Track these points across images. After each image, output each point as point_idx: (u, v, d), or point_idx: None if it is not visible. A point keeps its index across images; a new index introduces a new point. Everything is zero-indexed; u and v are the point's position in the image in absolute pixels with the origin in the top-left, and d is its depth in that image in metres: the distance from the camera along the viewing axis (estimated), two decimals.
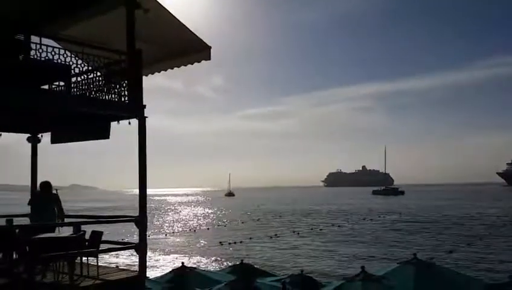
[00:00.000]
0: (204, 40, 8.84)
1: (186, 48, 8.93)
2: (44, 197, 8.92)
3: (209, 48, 8.90)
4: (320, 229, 42.15)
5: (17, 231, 8.09)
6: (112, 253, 14.14)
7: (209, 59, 8.94)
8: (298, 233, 39.46)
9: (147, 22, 8.08)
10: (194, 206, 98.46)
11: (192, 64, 9.23)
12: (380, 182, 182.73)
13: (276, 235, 38.13)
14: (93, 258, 7.80)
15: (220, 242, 33.34)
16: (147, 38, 8.37)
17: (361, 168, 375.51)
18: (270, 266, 22.43)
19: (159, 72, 9.76)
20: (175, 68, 9.59)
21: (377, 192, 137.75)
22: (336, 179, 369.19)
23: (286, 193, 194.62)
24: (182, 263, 9.23)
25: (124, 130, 8.33)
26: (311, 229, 42.52)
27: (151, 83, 8.64)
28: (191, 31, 8.58)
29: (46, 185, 9.04)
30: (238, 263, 11.28)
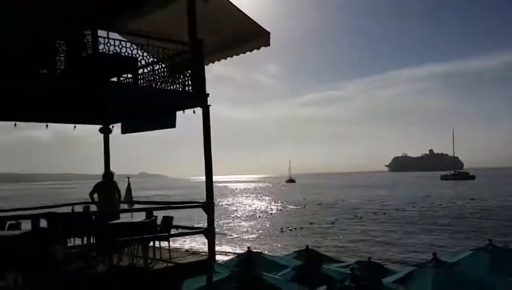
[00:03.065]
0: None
1: (246, 35, 8.98)
2: (107, 186, 9.40)
3: (268, 33, 8.89)
4: (384, 213, 41.03)
5: (93, 217, 8.64)
6: (179, 238, 14.67)
7: (269, 45, 8.93)
8: (361, 217, 38.68)
9: (208, 12, 8.21)
10: (256, 192, 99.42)
11: (251, 51, 9.26)
12: (448, 167, 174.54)
13: (337, 219, 37.63)
14: (164, 242, 8.14)
15: (281, 228, 33.47)
16: (207, 28, 8.50)
17: (428, 152, 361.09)
18: (334, 252, 22.20)
19: (219, 60, 9.89)
20: (234, 56, 9.68)
21: (446, 177, 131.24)
22: (401, 164, 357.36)
23: (348, 178, 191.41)
24: (248, 247, 9.33)
25: (189, 118, 8.58)
26: (375, 213, 41.51)
27: (209, 72, 8.84)
28: (250, 18, 8.61)
29: (108, 174, 9.54)
30: (303, 248, 11.24)
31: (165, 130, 9.27)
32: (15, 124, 9.26)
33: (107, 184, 9.37)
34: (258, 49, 9.02)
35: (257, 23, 8.64)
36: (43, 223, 7.23)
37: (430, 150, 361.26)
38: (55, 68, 6.95)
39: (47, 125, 9.55)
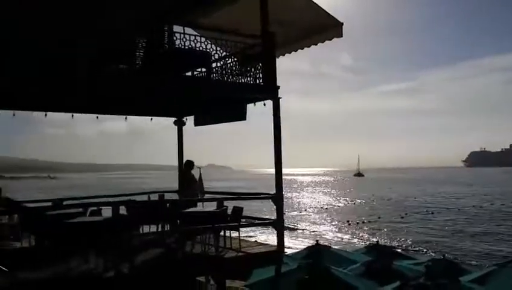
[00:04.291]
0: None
1: (318, 26, 8.88)
2: (187, 175, 9.75)
3: (341, 24, 8.73)
4: (459, 210, 38.94)
5: (167, 205, 9.03)
6: (247, 229, 14.89)
7: (341, 36, 8.77)
8: (432, 213, 37.02)
9: (279, 4, 8.22)
10: (323, 186, 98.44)
11: (323, 42, 9.15)
12: None
13: (406, 214, 36.30)
14: (234, 232, 8.33)
15: (348, 221, 32.94)
16: (279, 21, 8.51)
17: (509, 147, 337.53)
18: (403, 247, 21.52)
19: (290, 53, 9.87)
20: (305, 48, 9.62)
21: None
22: (478, 159, 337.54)
23: (421, 174, 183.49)
24: (317, 241, 9.30)
25: (252, 111, 8.70)
26: (448, 209, 39.51)
27: (278, 64, 8.83)
28: (322, 8, 8.50)
29: (188, 163, 9.86)
30: (372, 243, 11.02)
31: (231, 122, 9.48)
32: (97, 117, 9.90)
33: (187, 172, 9.75)
34: (330, 40, 8.89)
35: (329, 14, 8.52)
36: (122, 211, 7.70)
37: (511, 145, 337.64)
38: (134, 63, 7.33)
39: (126, 118, 10.11)
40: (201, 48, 7.67)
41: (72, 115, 9.25)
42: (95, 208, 8.37)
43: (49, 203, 9.41)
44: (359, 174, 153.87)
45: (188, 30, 7.91)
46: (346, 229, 29.90)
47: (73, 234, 6.64)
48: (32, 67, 6.14)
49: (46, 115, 8.89)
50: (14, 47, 6.06)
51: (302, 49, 9.61)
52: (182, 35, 7.43)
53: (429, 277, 5.51)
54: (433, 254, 20.29)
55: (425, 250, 22.25)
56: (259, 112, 8.69)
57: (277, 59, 9.72)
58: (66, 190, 78.52)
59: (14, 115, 8.68)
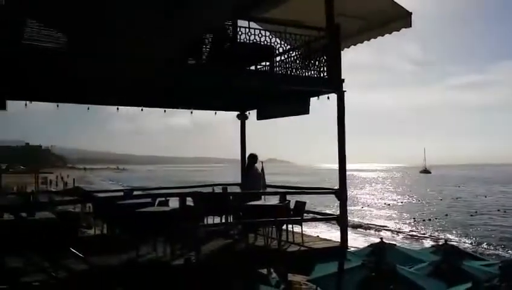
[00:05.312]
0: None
1: (385, 17, 8.60)
2: (250, 168, 9.84)
3: (410, 14, 8.39)
4: None
5: (231, 197, 9.18)
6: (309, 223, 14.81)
7: (410, 26, 8.42)
8: (505, 211, 34.75)
9: None
10: (387, 182, 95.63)
11: (390, 33, 8.83)
12: None
13: (476, 212, 34.37)
14: (297, 227, 8.32)
15: (414, 218, 31.81)
16: (344, 12, 8.34)
17: None
18: (472, 246, 20.53)
19: (355, 45, 9.63)
20: (371, 40, 9.35)
21: None
22: None
23: (493, 171, 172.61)
24: (381, 238, 9.10)
25: (313, 105, 8.60)
26: None
27: (342, 56, 8.59)
28: None
29: (250, 156, 9.94)
30: (441, 242, 10.60)
31: (293, 116, 9.45)
32: (164, 111, 10.27)
33: (250, 166, 9.87)
34: (398, 30, 8.58)
35: (397, 3, 8.22)
36: (189, 202, 7.93)
37: None
38: (201, 58, 7.51)
39: (192, 112, 10.40)
40: (265, 42, 7.69)
41: (142, 109, 9.66)
42: (163, 199, 8.69)
43: (120, 193, 9.90)
44: (426, 170, 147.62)
45: (252, 24, 7.96)
46: (412, 227, 28.94)
47: (143, 222, 6.94)
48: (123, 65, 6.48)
49: (118, 109, 9.35)
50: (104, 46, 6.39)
51: (369, 40, 9.33)
52: (247, 29, 7.50)
53: (503, 278, 5.21)
54: (506, 255, 19.16)
55: (496, 251, 21.07)
56: (320, 105, 8.57)
57: (342, 51, 9.60)
58: (135, 181, 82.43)
59: (88, 109, 9.23)
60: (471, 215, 33.08)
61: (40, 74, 6.51)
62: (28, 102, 8.26)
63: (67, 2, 6.19)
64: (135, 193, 9.97)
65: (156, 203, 8.48)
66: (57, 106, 8.68)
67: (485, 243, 23.20)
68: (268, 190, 10.24)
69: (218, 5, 6.75)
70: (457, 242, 21.23)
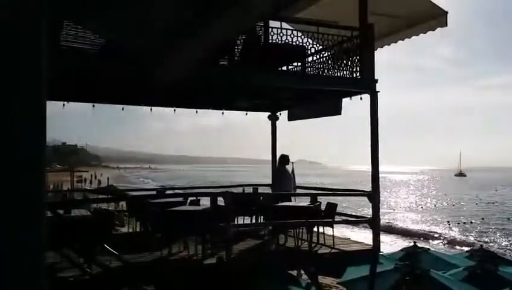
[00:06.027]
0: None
1: (419, 16, 8.41)
2: (281, 169, 9.81)
3: (446, 13, 8.19)
4: None
5: (261, 198, 9.19)
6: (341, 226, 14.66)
7: (446, 25, 8.22)
8: None
9: None
10: (420, 185, 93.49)
11: (425, 33, 8.64)
12: None
13: None
14: (328, 229, 8.24)
15: (448, 222, 30.98)
16: (378, 12, 8.21)
17: None
18: (509, 252, 19.81)
19: (389, 44, 9.46)
20: (406, 39, 9.16)
21: None
22: None
23: None
24: (414, 242, 8.89)
25: (346, 106, 8.47)
26: None
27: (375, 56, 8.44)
28: None
29: (282, 157, 9.91)
30: (476, 247, 10.30)
31: (323, 118, 9.36)
32: (196, 111, 10.38)
33: (281, 167, 9.86)
34: (433, 30, 8.38)
35: (433, 3, 8.03)
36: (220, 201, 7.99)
37: None
38: (233, 59, 7.55)
39: (223, 112, 10.47)
40: (297, 42, 7.66)
41: (175, 110, 9.80)
42: (194, 198, 8.79)
43: (153, 192, 10.08)
44: (461, 173, 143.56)
45: (284, 25, 7.94)
46: (447, 231, 28.21)
47: (175, 221, 7.03)
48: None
49: (151, 109, 9.52)
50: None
51: (403, 40, 9.15)
52: (279, 30, 7.48)
53: None
54: None
55: None
56: (352, 106, 8.44)
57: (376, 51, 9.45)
58: (166, 180, 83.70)
59: (123, 109, 9.43)
60: (509, 219, 31.99)
61: (77, 75, 6.68)
62: (65, 102, 8.51)
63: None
64: (167, 192, 10.13)
65: (188, 203, 8.59)
66: (93, 106, 8.91)
67: None
68: (299, 191, 10.20)
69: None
70: (493, 247, 20.59)
